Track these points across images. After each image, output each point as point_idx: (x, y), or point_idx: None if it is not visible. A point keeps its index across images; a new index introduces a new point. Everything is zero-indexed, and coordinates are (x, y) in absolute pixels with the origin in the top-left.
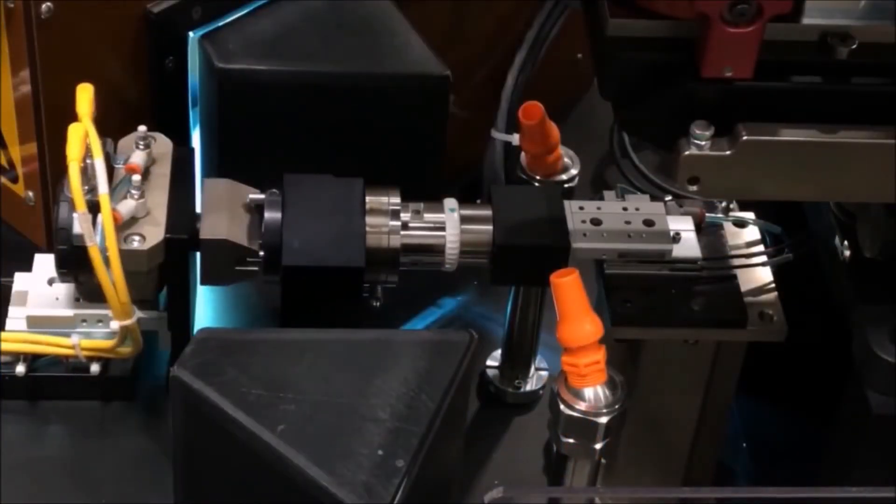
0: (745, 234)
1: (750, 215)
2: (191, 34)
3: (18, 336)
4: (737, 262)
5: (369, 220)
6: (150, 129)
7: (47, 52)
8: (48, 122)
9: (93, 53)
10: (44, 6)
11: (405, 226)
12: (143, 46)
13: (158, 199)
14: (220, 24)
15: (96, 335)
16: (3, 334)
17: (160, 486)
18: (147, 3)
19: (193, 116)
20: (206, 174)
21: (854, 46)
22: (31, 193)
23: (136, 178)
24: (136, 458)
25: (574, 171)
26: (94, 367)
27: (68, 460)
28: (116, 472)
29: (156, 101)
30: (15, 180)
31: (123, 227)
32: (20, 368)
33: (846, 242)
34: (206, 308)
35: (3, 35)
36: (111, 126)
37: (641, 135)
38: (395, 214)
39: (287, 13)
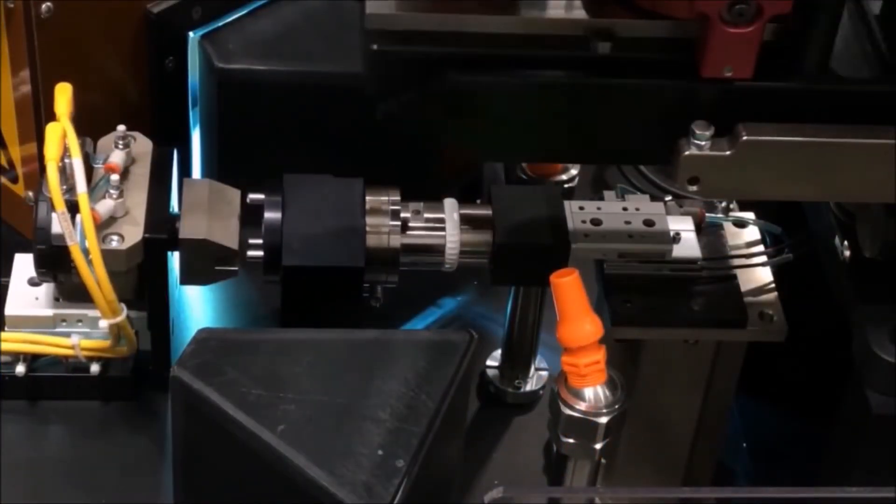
0: (745, 234)
1: (750, 215)
2: (191, 34)
3: (18, 336)
4: (737, 262)
5: (369, 220)
6: (150, 130)
7: (47, 52)
8: (48, 122)
9: (93, 53)
10: (44, 6)
11: (405, 226)
12: (143, 46)
13: (137, 199)
14: (220, 24)
15: (95, 335)
16: (3, 334)
17: (160, 486)
18: (147, 3)
19: (193, 116)
20: (206, 174)
21: None
22: (31, 193)
23: (115, 177)
24: (136, 458)
25: (574, 171)
26: (94, 367)
27: (68, 460)
28: (116, 472)
29: (156, 101)
30: (15, 180)
31: (102, 226)
32: (20, 368)
33: (846, 242)
34: (206, 308)
35: (3, 35)
36: (111, 126)
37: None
38: (395, 214)
39: (287, 13)
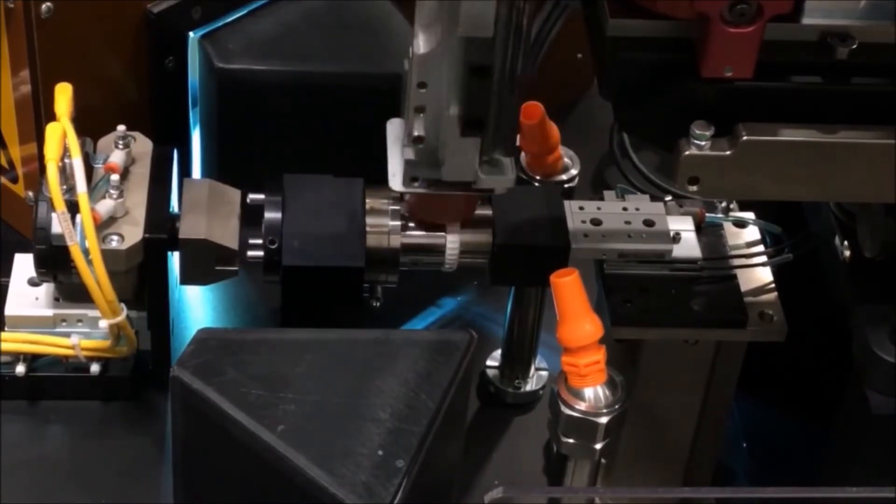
0: (745, 234)
1: (750, 215)
2: (191, 34)
3: (18, 336)
4: (737, 262)
5: (369, 220)
6: (150, 130)
7: (47, 52)
8: (48, 122)
9: (93, 53)
10: (44, 6)
11: (405, 226)
12: (143, 46)
13: (137, 199)
14: (220, 24)
15: (95, 335)
16: (3, 334)
17: (160, 486)
18: (147, 3)
19: (193, 116)
20: (206, 174)
21: (854, 46)
22: (31, 193)
23: (115, 177)
24: (136, 458)
25: (574, 171)
26: (94, 367)
27: (68, 460)
28: (116, 472)
29: (156, 101)
30: (15, 180)
31: (102, 226)
32: (20, 368)
33: (846, 242)
34: (206, 308)
35: (3, 35)
36: (111, 126)
37: (641, 135)
38: (395, 214)
39: (287, 13)
